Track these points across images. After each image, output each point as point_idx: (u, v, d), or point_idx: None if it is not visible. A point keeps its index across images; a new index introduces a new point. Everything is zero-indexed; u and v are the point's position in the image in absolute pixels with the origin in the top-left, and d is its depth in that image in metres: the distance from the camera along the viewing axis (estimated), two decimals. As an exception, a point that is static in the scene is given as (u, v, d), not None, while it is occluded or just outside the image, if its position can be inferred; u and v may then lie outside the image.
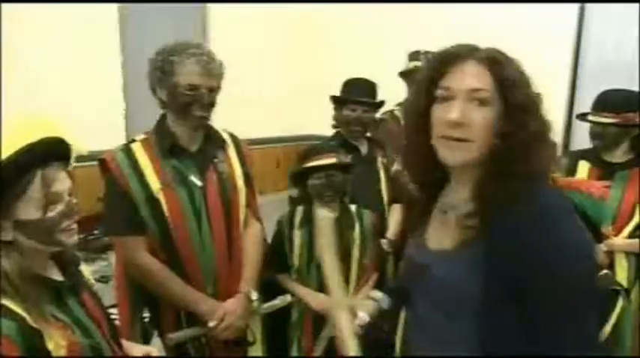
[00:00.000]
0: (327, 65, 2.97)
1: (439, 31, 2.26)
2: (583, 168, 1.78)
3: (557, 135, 2.28)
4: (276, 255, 1.58)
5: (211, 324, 1.28)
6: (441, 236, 0.88)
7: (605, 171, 1.73)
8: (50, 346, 0.81)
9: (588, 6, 2.29)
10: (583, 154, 1.85)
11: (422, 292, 0.91)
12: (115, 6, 2.37)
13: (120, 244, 1.30)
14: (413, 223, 0.99)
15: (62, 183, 0.87)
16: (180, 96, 1.27)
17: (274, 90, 2.93)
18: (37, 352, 0.80)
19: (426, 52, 2.20)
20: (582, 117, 1.83)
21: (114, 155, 1.27)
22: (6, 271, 0.81)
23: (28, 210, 0.82)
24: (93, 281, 1.05)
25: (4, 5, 2.00)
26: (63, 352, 0.83)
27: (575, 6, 2.29)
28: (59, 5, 2.17)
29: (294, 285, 1.60)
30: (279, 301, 1.57)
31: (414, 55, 2.31)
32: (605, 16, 2.27)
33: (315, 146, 1.74)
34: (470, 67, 0.79)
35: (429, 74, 0.83)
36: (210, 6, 2.72)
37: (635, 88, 1.86)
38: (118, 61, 2.41)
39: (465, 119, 0.77)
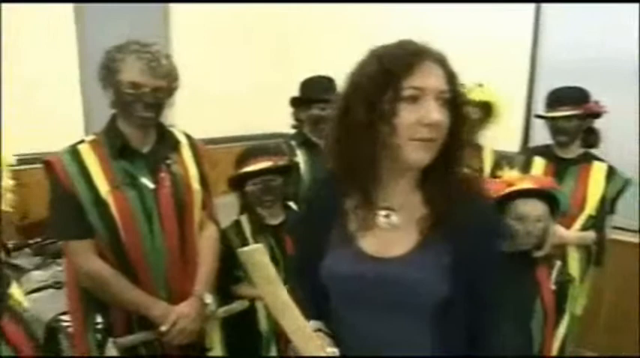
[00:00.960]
0: (290, 64, 2.99)
1: (401, 32, 2.28)
2: (538, 164, 1.85)
3: (516, 134, 2.35)
4: (226, 268, 1.51)
5: (163, 328, 1.27)
6: (387, 241, 0.85)
7: (559, 166, 1.81)
8: None
9: (544, 6, 2.37)
10: (537, 151, 1.93)
11: (377, 301, 0.85)
12: (70, 6, 2.32)
13: (68, 248, 1.26)
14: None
15: None
16: (123, 95, 1.24)
17: (237, 89, 2.92)
18: None
19: None
20: (541, 116, 1.89)
21: (59, 157, 1.24)
22: None
23: None
24: (24, 305, 0.98)
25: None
26: None
27: (531, 7, 2.36)
28: (14, 6, 2.11)
29: (251, 290, 1.58)
30: (237, 305, 1.56)
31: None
32: (561, 16, 2.35)
33: (251, 149, 1.69)
34: (432, 66, 0.78)
35: (384, 73, 0.78)
36: (172, 6, 2.69)
37: (590, 86, 1.95)
38: (75, 62, 2.35)
39: (440, 120, 0.77)
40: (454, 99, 0.80)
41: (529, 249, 1.46)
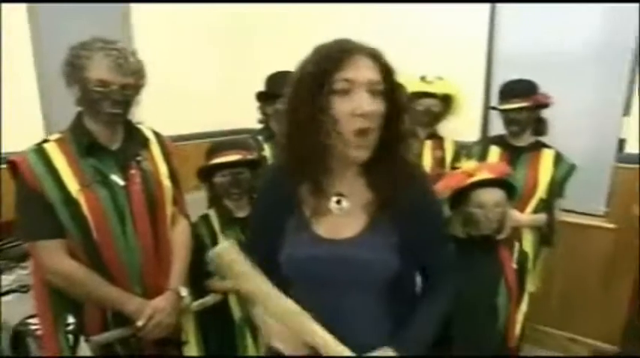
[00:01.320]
0: (254, 60, 3.01)
1: (362, 30, 2.36)
2: (494, 152, 1.99)
3: (475, 125, 2.47)
4: (198, 262, 1.51)
5: (140, 323, 1.28)
6: (339, 224, 0.92)
7: (512, 154, 1.96)
8: None
9: (498, 6, 2.50)
10: (493, 141, 2.06)
11: (333, 281, 0.92)
12: (23, 6, 2.24)
13: (37, 249, 1.24)
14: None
15: None
16: (90, 92, 1.23)
17: (203, 86, 2.92)
18: None
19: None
20: (495, 107, 2.01)
21: (25, 156, 1.22)
22: None
23: None
24: None
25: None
26: None
27: (487, 7, 2.49)
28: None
29: (221, 284, 1.61)
30: (210, 298, 1.59)
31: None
32: (514, 15, 2.49)
33: (220, 142, 1.73)
34: (363, 60, 0.84)
35: (321, 69, 0.83)
36: (133, 5, 2.65)
37: (541, 79, 2.09)
38: (31, 64, 2.28)
39: (372, 109, 0.82)
40: (389, 91, 0.86)
41: (491, 233, 1.57)
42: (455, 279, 1.04)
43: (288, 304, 0.88)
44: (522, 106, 1.88)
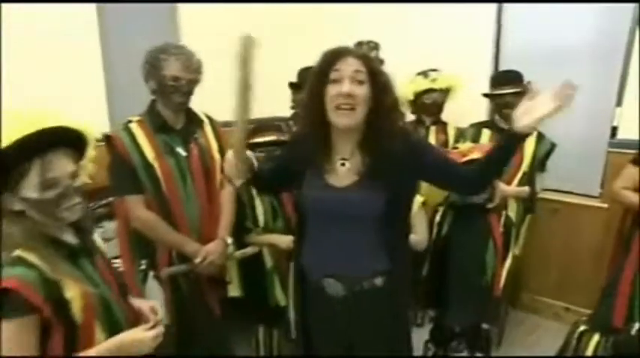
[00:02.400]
0: (288, 56, 3.40)
1: (374, 30, 2.70)
2: (485, 134, 2.34)
3: (482, 117, 2.78)
4: (239, 221, 1.94)
5: (197, 261, 1.72)
6: (342, 178, 1.29)
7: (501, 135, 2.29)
8: (68, 295, 0.99)
9: (504, 6, 2.79)
10: (484, 124, 2.42)
11: (337, 217, 1.28)
12: (93, 5, 2.70)
13: (125, 202, 1.68)
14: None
15: (62, 168, 1.01)
16: (165, 86, 1.67)
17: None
18: (57, 299, 0.97)
19: (369, 42, 2.65)
20: (489, 94, 2.37)
21: (117, 133, 1.67)
22: (22, 233, 0.99)
23: (29, 190, 0.98)
24: (104, 248, 1.22)
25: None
26: (78, 302, 1.01)
27: (494, 6, 2.78)
28: (42, 5, 2.48)
29: (262, 237, 2.05)
30: (250, 249, 2.03)
31: (358, 45, 2.72)
32: (520, 14, 2.76)
33: (259, 125, 2.11)
34: (349, 59, 1.21)
35: (321, 66, 1.22)
36: (180, 6, 3.08)
37: (543, 72, 2.39)
38: (99, 57, 2.73)
39: (352, 91, 1.19)
40: (372, 79, 1.21)
41: (482, 202, 1.91)
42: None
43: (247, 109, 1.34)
44: (515, 91, 2.22)
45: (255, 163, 1.40)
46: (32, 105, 2.46)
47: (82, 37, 2.66)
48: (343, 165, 1.30)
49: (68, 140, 1.05)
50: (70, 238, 1.10)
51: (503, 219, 1.95)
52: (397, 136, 1.25)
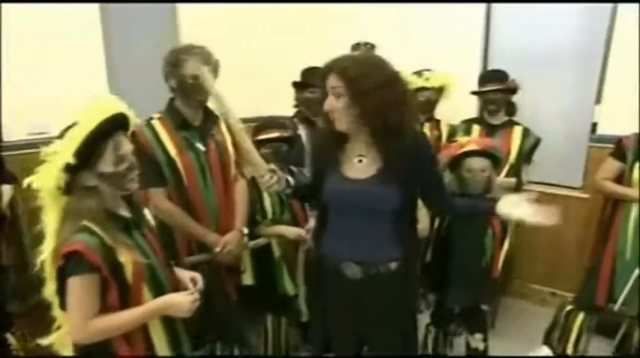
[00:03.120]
0: (290, 54, 3.53)
1: (370, 31, 2.86)
2: (475, 129, 2.57)
3: (472, 114, 2.97)
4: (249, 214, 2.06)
5: (216, 250, 1.84)
6: (360, 172, 1.42)
7: (489, 130, 2.53)
8: (122, 260, 1.20)
9: (493, 6, 2.98)
10: (475, 120, 2.65)
11: (356, 207, 1.41)
12: (96, 5, 2.77)
13: (149, 194, 1.78)
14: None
15: (126, 146, 1.25)
16: (185, 84, 1.78)
17: (246, 80, 3.39)
18: (113, 262, 1.19)
19: (366, 44, 2.80)
20: (476, 91, 2.61)
21: (140, 129, 1.77)
22: (90, 206, 1.20)
23: (105, 165, 1.19)
24: (152, 223, 1.43)
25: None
26: (130, 267, 1.21)
27: (482, 6, 2.97)
28: (45, 5, 2.54)
29: (271, 228, 2.17)
30: (262, 240, 2.15)
31: (355, 47, 2.86)
32: (507, 14, 2.95)
33: (264, 122, 2.24)
34: (331, 76, 1.34)
35: (322, 80, 1.39)
36: (179, 5, 3.17)
37: (530, 70, 2.67)
38: (102, 56, 2.80)
39: (330, 107, 1.36)
40: (350, 90, 1.32)
41: (482, 193, 2.06)
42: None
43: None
44: (499, 88, 2.43)
45: (292, 181, 1.53)
46: (35, 104, 2.54)
47: (85, 37, 2.73)
48: (361, 161, 1.44)
49: (126, 123, 1.26)
50: (124, 212, 1.29)
51: None
52: (406, 133, 1.37)
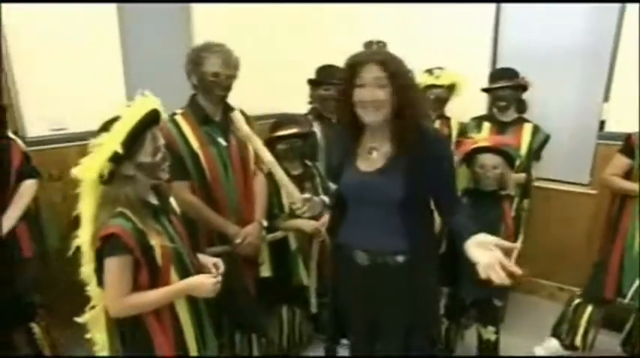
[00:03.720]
0: (302, 56, 3.58)
1: (383, 30, 2.91)
2: (485, 127, 2.63)
3: (482, 111, 3.04)
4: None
5: (237, 241, 1.90)
6: (368, 164, 1.48)
7: (500, 128, 2.59)
8: (152, 243, 1.32)
9: (502, 5, 3.04)
10: (485, 118, 2.72)
11: (365, 199, 1.47)
12: (114, 5, 2.83)
13: (173, 187, 1.84)
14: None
15: (160, 138, 1.39)
16: (206, 81, 1.84)
17: (257, 79, 3.44)
18: (144, 244, 1.31)
19: (379, 42, 2.86)
20: (486, 88, 2.68)
21: (164, 124, 1.82)
22: (127, 194, 1.31)
23: (144, 156, 1.32)
24: (177, 209, 1.55)
25: (9, 5, 2.39)
26: (159, 250, 1.33)
27: (492, 6, 3.02)
28: (63, 5, 2.60)
29: (289, 222, 2.23)
30: (279, 233, 2.22)
31: (368, 45, 2.93)
32: (517, 13, 3.01)
33: (281, 119, 2.31)
34: (371, 66, 1.36)
35: (348, 73, 1.40)
36: (193, 5, 3.23)
37: (538, 69, 2.72)
38: (118, 54, 2.86)
39: (374, 97, 1.37)
40: (392, 82, 1.36)
41: (496, 189, 2.11)
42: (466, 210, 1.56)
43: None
44: (508, 85, 2.49)
45: (327, 200, 1.63)
46: (53, 101, 2.60)
47: (102, 36, 2.79)
48: (371, 153, 1.50)
49: (158, 118, 1.38)
50: (153, 200, 1.41)
51: (515, 205, 2.16)
52: (423, 130, 1.43)
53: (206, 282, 1.42)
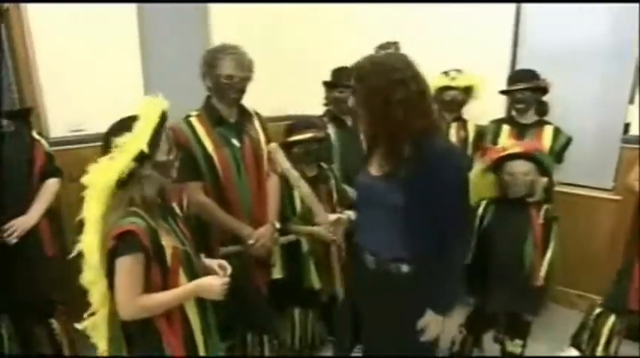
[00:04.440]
0: (317, 55, 3.59)
1: (400, 30, 2.89)
2: (505, 130, 2.57)
3: (501, 114, 3.00)
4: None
5: (250, 242, 1.91)
6: (376, 168, 1.48)
7: (519, 130, 2.53)
8: (163, 243, 1.33)
9: (523, 5, 2.97)
10: (504, 120, 2.67)
11: (372, 202, 1.48)
12: (134, 5, 2.88)
13: (186, 188, 1.87)
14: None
15: (171, 138, 1.41)
16: (220, 84, 1.86)
17: (273, 80, 3.42)
18: (156, 244, 1.32)
19: (393, 43, 2.83)
20: (504, 90, 2.63)
21: (179, 125, 1.86)
22: (143, 194, 1.32)
23: (161, 154, 1.34)
24: (180, 213, 1.55)
25: (35, 11, 2.47)
26: (169, 250, 1.34)
27: (513, 6, 2.97)
28: (84, 6, 2.66)
29: (303, 227, 2.23)
30: (292, 236, 2.22)
31: (385, 46, 2.90)
32: (537, 14, 2.95)
33: (297, 123, 2.31)
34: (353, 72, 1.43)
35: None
36: (211, 6, 3.28)
37: (558, 70, 2.65)
38: (137, 55, 2.92)
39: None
40: (358, 85, 1.42)
41: (524, 196, 2.05)
42: (459, 239, 1.48)
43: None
44: (527, 87, 2.47)
45: (353, 215, 1.65)
46: (74, 102, 2.66)
47: (122, 37, 2.85)
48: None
49: (167, 117, 1.38)
50: (159, 201, 1.40)
51: (543, 211, 2.07)
52: (424, 144, 1.37)
53: (215, 284, 1.42)
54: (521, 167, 2.00)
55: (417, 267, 1.44)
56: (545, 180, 2.41)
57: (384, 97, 1.34)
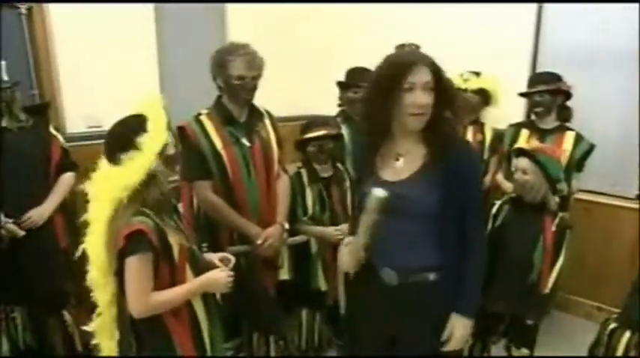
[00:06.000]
0: (330, 56, 3.59)
1: (416, 29, 2.86)
2: (524, 134, 2.51)
3: (520, 117, 2.94)
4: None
5: (258, 242, 1.91)
6: (394, 174, 1.38)
7: (539, 135, 2.46)
8: (170, 241, 1.35)
9: (545, 5, 2.91)
10: (524, 125, 2.60)
11: (396, 211, 1.33)
12: (151, 5, 2.94)
13: (195, 185, 1.90)
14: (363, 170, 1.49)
15: (173, 132, 1.42)
16: (231, 84, 1.87)
17: (288, 79, 3.47)
18: (164, 242, 1.33)
19: (411, 44, 2.80)
20: (523, 93, 2.57)
21: (189, 124, 1.88)
22: (153, 192, 1.32)
23: (170, 148, 1.36)
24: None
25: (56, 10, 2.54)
26: (177, 248, 1.35)
27: (534, 6, 2.90)
28: (103, 5, 2.72)
29: (312, 229, 2.22)
30: (301, 237, 2.22)
31: (401, 47, 2.87)
32: (560, 14, 2.88)
33: (312, 120, 2.29)
34: (423, 68, 1.29)
35: (394, 74, 1.29)
36: (228, 5, 3.31)
37: (580, 73, 2.59)
38: (154, 54, 2.97)
39: (426, 101, 1.30)
40: (438, 86, 1.32)
41: (538, 203, 2.01)
42: (482, 242, 1.47)
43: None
44: (546, 89, 2.40)
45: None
46: (91, 99, 2.72)
47: (140, 36, 2.91)
48: (397, 160, 1.42)
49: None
50: (170, 198, 1.44)
51: (557, 219, 2.02)
52: (455, 138, 1.38)
53: (220, 276, 1.45)
54: (521, 163, 1.97)
55: (443, 273, 1.39)
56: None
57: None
